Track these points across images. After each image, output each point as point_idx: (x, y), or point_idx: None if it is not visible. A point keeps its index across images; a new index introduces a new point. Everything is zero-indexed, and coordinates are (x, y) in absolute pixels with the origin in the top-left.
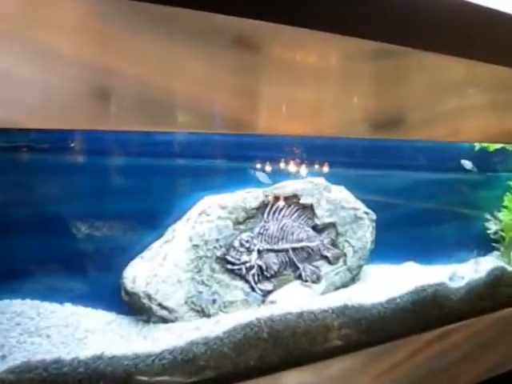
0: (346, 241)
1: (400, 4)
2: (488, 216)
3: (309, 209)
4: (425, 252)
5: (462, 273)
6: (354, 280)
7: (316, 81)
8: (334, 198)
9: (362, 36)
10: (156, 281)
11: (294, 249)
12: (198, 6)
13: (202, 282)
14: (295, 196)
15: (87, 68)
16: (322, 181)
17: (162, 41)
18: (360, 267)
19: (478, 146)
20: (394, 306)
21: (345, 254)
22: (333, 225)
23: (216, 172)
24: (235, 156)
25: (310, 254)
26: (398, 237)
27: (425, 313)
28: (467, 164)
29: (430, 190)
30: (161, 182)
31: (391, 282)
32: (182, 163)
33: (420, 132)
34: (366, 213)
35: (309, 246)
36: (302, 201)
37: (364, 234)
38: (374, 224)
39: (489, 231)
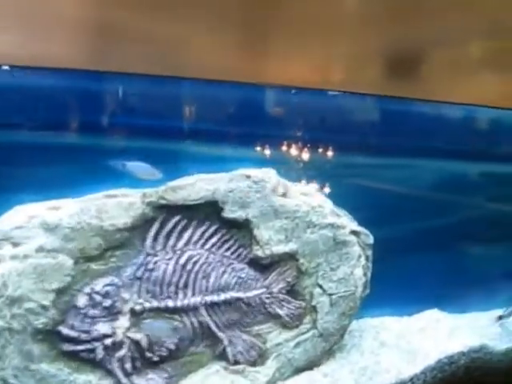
0: (318, 284)
1: None
2: None
3: (242, 228)
4: (456, 293)
5: None
6: (330, 352)
7: (328, 15)
8: (294, 208)
9: None
10: None
11: (210, 305)
12: None
13: (4, 381)
14: (212, 204)
15: None
16: (268, 173)
17: None
18: (342, 329)
19: None
20: None
21: (314, 309)
22: (291, 257)
23: (43, 159)
24: (87, 129)
25: (244, 314)
26: (413, 269)
27: None
28: None
29: (464, 190)
30: None
31: (398, 351)
32: None
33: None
34: (356, 233)
35: (241, 299)
36: (225, 213)
37: (351, 270)
38: (369, 252)
39: None
